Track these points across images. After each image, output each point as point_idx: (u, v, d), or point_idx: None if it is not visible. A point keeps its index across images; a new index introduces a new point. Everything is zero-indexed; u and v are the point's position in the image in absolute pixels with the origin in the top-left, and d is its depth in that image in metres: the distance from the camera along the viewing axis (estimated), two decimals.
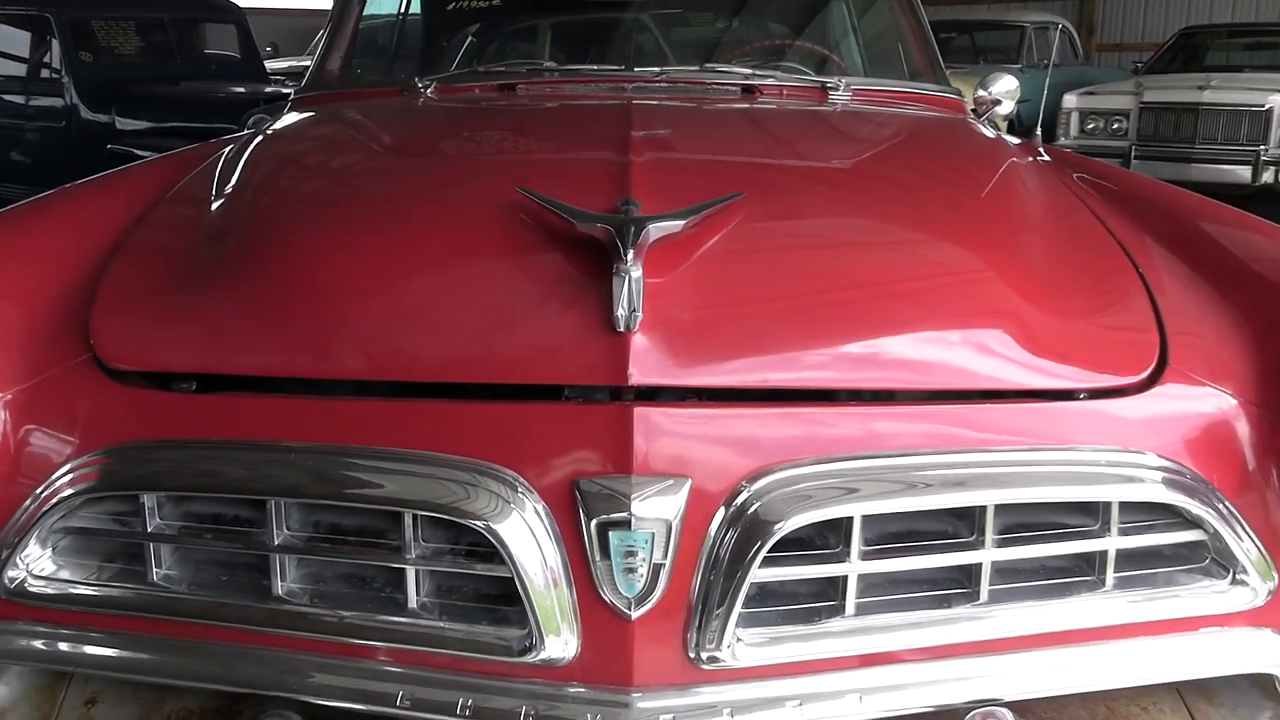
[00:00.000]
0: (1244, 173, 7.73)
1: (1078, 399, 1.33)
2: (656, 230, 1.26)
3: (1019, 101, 2.93)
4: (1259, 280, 1.56)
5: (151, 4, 8.37)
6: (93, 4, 7.94)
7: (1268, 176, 7.65)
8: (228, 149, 2.07)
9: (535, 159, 1.89)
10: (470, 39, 3.14)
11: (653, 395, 1.22)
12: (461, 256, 1.41)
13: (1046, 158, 2.26)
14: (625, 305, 1.20)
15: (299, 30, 13.49)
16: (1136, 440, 1.32)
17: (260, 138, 2.10)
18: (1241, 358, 1.40)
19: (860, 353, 1.30)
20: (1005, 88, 2.87)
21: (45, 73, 7.56)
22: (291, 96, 2.75)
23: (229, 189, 1.75)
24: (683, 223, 1.30)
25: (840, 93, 2.40)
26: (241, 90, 7.75)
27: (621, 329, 1.21)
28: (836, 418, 1.26)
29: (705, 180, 1.58)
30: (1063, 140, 8.39)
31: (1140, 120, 8.15)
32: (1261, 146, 7.63)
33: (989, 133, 2.42)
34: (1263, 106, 7.65)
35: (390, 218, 1.52)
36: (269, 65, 9.65)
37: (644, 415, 1.19)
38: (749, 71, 2.44)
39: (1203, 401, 1.36)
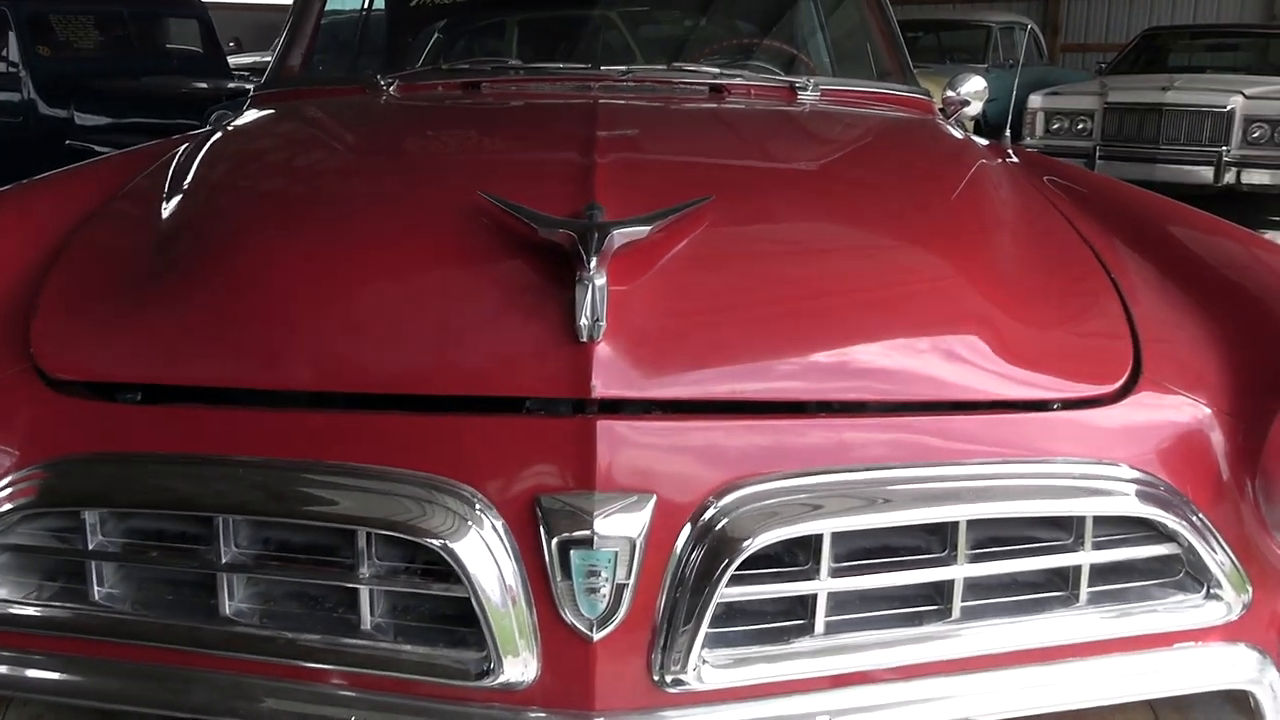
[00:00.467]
0: (1207, 173, 7.78)
1: (1051, 409, 1.30)
2: (621, 236, 1.22)
3: (986, 101, 2.92)
4: (1232, 287, 1.54)
5: None
6: None
7: (1230, 177, 7.71)
8: (183, 147, 2.01)
9: (498, 160, 1.83)
10: (435, 35, 3.08)
11: (617, 408, 1.18)
12: (419, 262, 1.36)
13: (1016, 159, 2.24)
14: (588, 314, 1.15)
15: (263, 25, 13.32)
16: (1110, 451, 1.29)
17: (215, 136, 2.03)
18: (1215, 366, 1.38)
19: (829, 363, 1.26)
20: (973, 88, 2.86)
21: (2, 67, 7.42)
22: (251, 93, 2.70)
23: (180, 190, 1.69)
24: (648, 228, 1.25)
25: (809, 92, 2.37)
26: (204, 86, 7.64)
27: (584, 339, 1.16)
28: (805, 430, 1.22)
29: (672, 183, 1.54)
30: (1028, 140, 8.42)
31: (1105, 120, 8.20)
32: (1224, 147, 7.68)
33: (958, 134, 2.40)
34: (1224, 108, 7.71)
35: (345, 221, 1.47)
36: (232, 60, 9.53)
37: (607, 429, 1.14)
38: (717, 71, 2.40)
39: (1177, 411, 1.34)
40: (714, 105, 2.29)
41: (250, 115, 2.32)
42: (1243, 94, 7.74)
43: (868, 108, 2.46)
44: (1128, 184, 2.09)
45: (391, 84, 2.34)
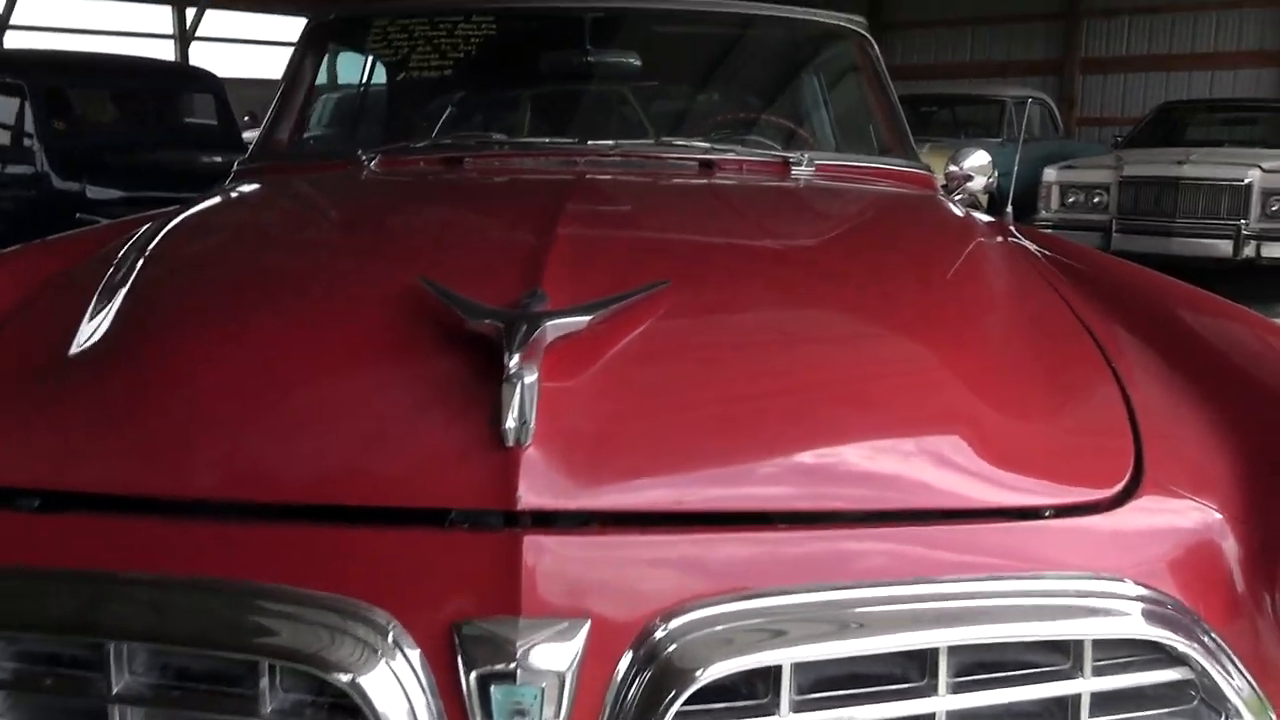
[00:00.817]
0: (1225, 247, 7.68)
1: (1043, 517, 1.17)
2: (556, 328, 1.11)
3: (1001, 175, 2.84)
4: (1243, 377, 1.42)
5: (128, 73, 8.34)
6: (69, 72, 7.89)
7: (1249, 251, 7.60)
8: (143, 228, 1.92)
9: (454, 241, 1.72)
10: (427, 110, 3.03)
11: (547, 520, 1.05)
12: (341, 357, 1.25)
13: (1017, 237, 2.14)
14: (515, 416, 1.03)
15: None
16: (1111, 563, 1.15)
17: (169, 219, 1.94)
18: (1226, 466, 1.25)
19: (791, 468, 1.14)
20: (977, 163, 2.78)
21: (18, 140, 7.46)
22: (234, 168, 2.65)
23: (110, 277, 1.59)
24: (588, 318, 1.14)
25: (803, 168, 2.28)
26: (217, 160, 7.66)
27: (510, 443, 1.04)
28: (764, 544, 1.09)
29: (632, 267, 1.44)
30: (1043, 214, 8.34)
31: (1120, 194, 8.12)
32: (1242, 221, 7.59)
33: (958, 211, 2.30)
34: (1242, 181, 7.63)
35: (266, 312, 1.37)
36: (247, 135, 9.59)
37: (535, 545, 1.02)
38: (707, 145, 2.33)
39: (1184, 516, 1.21)
40: (703, 181, 2.21)
41: (216, 195, 2.24)
42: (1260, 167, 7.66)
43: (864, 183, 2.37)
44: (1133, 264, 1.98)
45: (374, 159, 2.28)
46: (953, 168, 2.80)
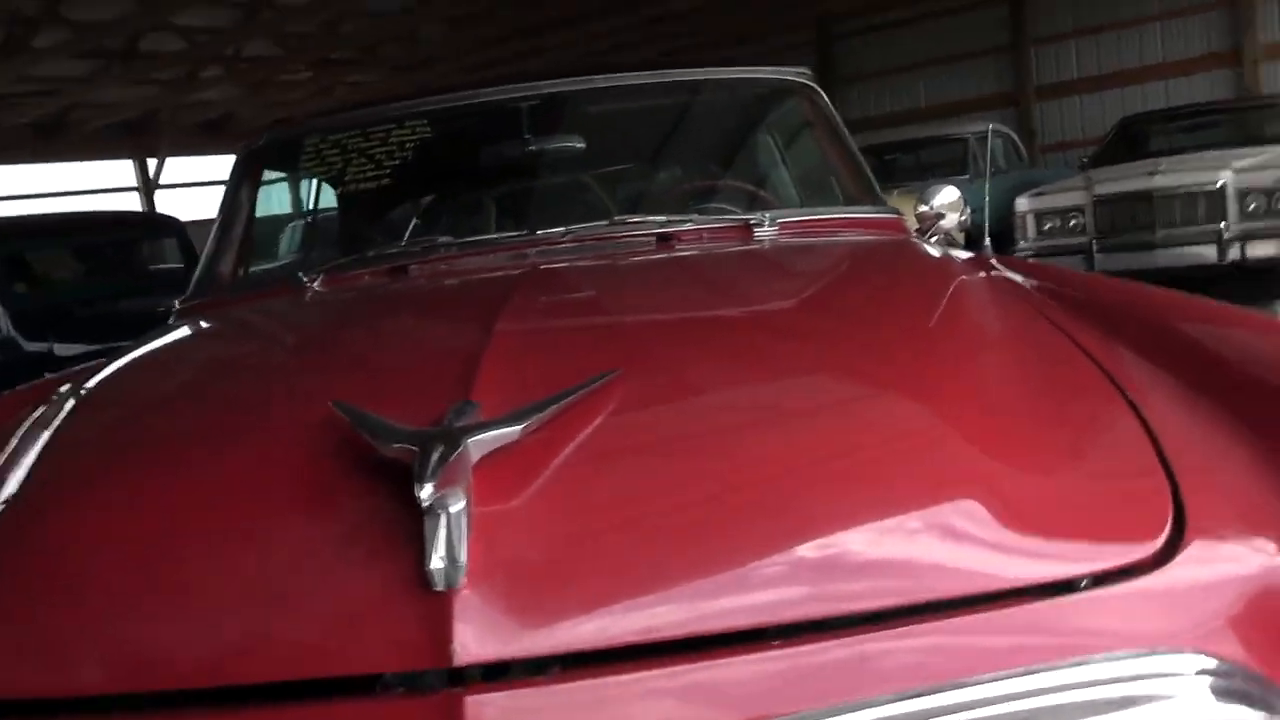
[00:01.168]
0: (1210, 252, 7.56)
1: (1079, 589, 0.99)
2: (481, 444, 0.95)
3: (973, 210, 2.74)
4: (1270, 388, 1.27)
5: (86, 227, 8.28)
6: (25, 235, 7.83)
7: (1234, 253, 7.47)
8: (62, 388, 1.76)
9: (383, 357, 1.55)
10: (367, 221, 2.92)
11: (495, 673, 0.88)
12: (243, 511, 1.08)
13: (1000, 269, 2.00)
14: (442, 554, 0.88)
15: None
16: (1164, 633, 0.98)
17: (90, 376, 1.77)
18: (1275, 493, 1.09)
19: (786, 571, 0.96)
20: (946, 199, 2.67)
21: None
22: (175, 308, 2.52)
23: (14, 451, 1.43)
24: (519, 427, 0.99)
25: (766, 228, 2.15)
26: None
27: (440, 587, 0.88)
28: (763, 666, 0.91)
29: (579, 360, 1.28)
30: (1021, 244, 8.24)
31: (1096, 214, 8.02)
32: (1222, 224, 7.48)
33: (934, 252, 2.17)
34: (1215, 184, 7.54)
35: (165, 473, 1.21)
36: None
37: (481, 705, 0.85)
38: (663, 219, 2.20)
39: (1241, 562, 1.04)
40: (661, 256, 2.08)
41: (142, 344, 2.06)
42: (1231, 168, 7.59)
43: (831, 235, 2.24)
44: (1122, 280, 1.84)
45: (317, 279, 2.15)
46: (923, 208, 2.69)
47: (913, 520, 1.02)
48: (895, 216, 2.41)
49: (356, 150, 2.65)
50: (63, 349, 7.05)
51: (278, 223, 3.09)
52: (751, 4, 14.58)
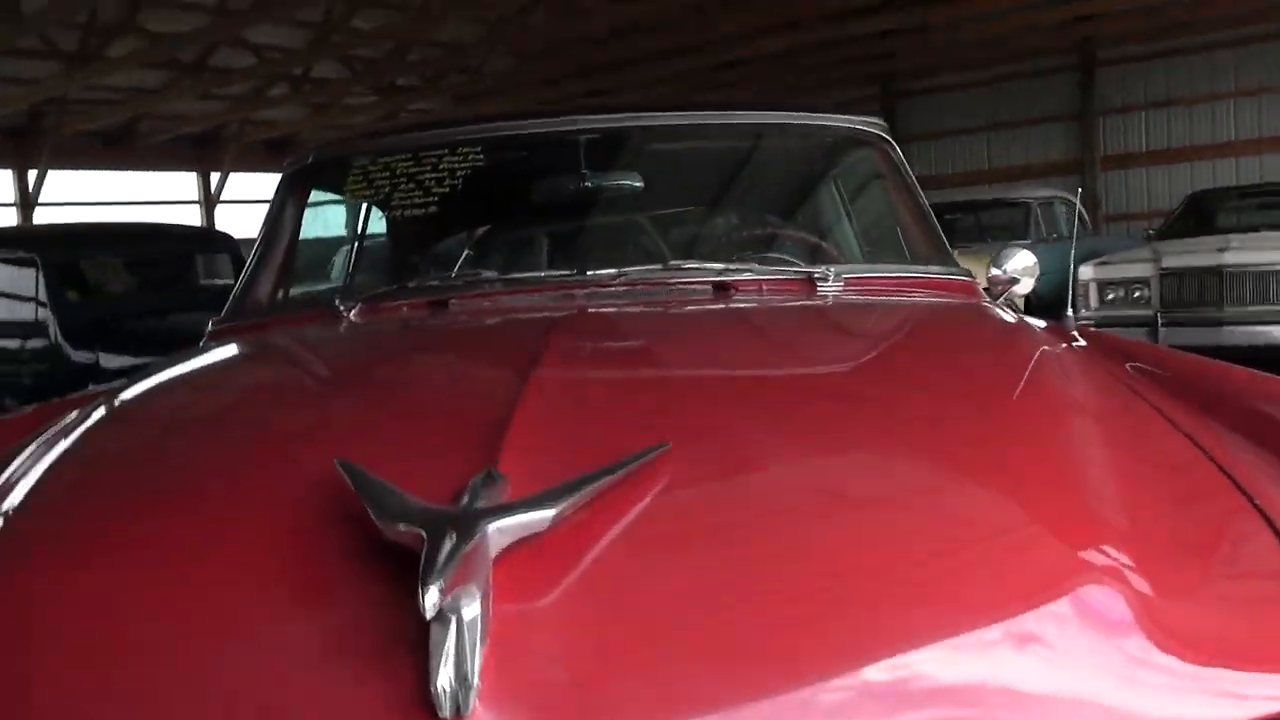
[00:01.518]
0: (1279, 333, 7.33)
1: None
2: (504, 531, 0.79)
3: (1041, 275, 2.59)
4: None
5: (141, 239, 8.29)
6: (81, 243, 7.85)
7: None
8: (69, 415, 1.61)
9: (404, 407, 1.37)
10: (411, 249, 2.80)
11: None
12: (217, 594, 0.91)
13: (1082, 342, 1.84)
14: (449, 674, 0.71)
15: None
16: None
17: (100, 405, 1.61)
18: None
19: (867, 694, 0.79)
20: (1021, 264, 2.51)
21: (30, 314, 7.37)
22: (208, 329, 2.40)
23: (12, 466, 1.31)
24: (552, 512, 0.82)
25: (830, 283, 2.00)
26: None
27: (445, 713, 0.71)
28: None
29: (624, 427, 1.12)
30: (1084, 312, 8.02)
31: (1163, 287, 7.80)
32: None
33: (1010, 318, 2.01)
34: None
35: (142, 527, 1.05)
36: None
37: None
38: (721, 267, 2.06)
39: None
40: (718, 307, 1.93)
41: (161, 369, 1.91)
42: None
43: (901, 296, 2.09)
44: (1214, 360, 1.68)
45: (354, 308, 2.03)
46: (995, 271, 2.53)
47: (1024, 638, 0.85)
48: (968, 279, 2.26)
49: (405, 175, 2.53)
50: (109, 360, 7.02)
51: (320, 245, 2.98)
52: (816, 58, 14.54)
